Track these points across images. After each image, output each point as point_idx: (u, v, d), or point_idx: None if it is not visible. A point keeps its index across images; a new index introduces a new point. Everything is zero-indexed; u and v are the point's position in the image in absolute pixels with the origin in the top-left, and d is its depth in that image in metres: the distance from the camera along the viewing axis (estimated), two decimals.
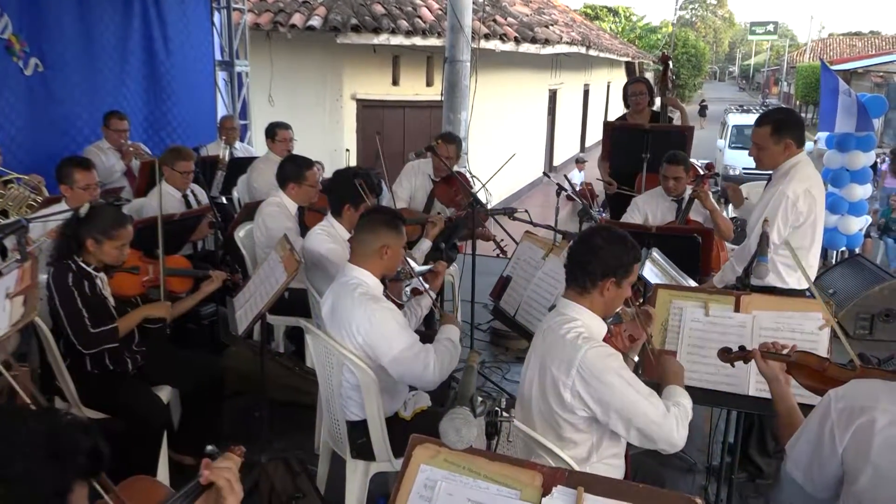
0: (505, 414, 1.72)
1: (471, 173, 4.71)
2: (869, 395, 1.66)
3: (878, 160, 13.78)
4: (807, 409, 1.94)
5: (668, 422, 2.07)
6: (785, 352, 2.14)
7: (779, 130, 3.27)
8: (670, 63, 5.59)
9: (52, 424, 1.16)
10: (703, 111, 33.90)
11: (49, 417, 1.18)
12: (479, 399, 1.57)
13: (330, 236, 3.53)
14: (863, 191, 7.09)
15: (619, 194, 5.08)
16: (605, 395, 2.07)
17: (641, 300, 2.80)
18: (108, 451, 1.21)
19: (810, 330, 2.53)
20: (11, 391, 2.51)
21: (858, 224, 7.23)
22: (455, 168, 4.80)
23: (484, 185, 4.73)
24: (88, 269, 2.99)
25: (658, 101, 5.49)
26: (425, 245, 3.88)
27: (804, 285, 3.35)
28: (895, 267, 9.79)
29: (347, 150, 4.47)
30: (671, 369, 2.30)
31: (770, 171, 3.42)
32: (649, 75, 24.00)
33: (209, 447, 1.45)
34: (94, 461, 1.19)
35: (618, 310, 2.36)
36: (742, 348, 2.30)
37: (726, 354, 2.34)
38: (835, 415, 1.69)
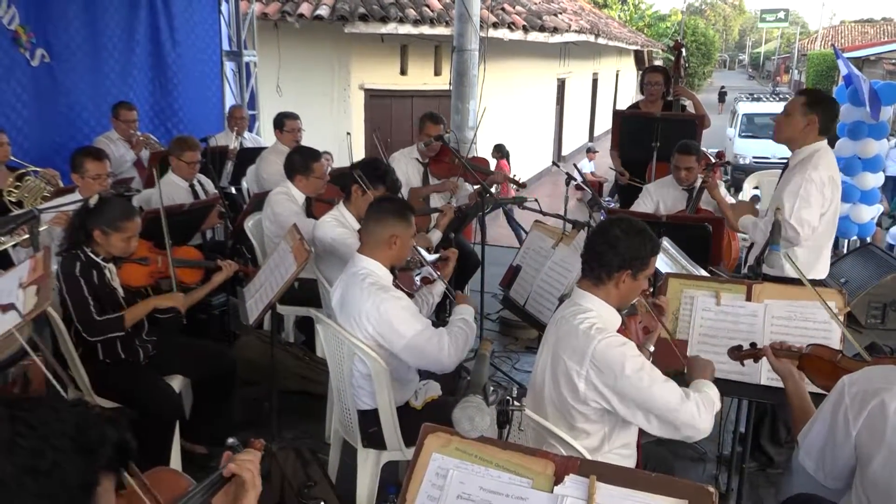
0: (516, 403, 1.72)
1: (512, 181, 4.75)
2: (882, 379, 1.67)
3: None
4: (819, 399, 1.94)
5: (687, 407, 2.05)
6: (795, 349, 2.13)
7: (811, 104, 3.27)
8: (683, 51, 5.55)
9: (81, 417, 1.15)
10: (721, 97, 34.09)
11: (78, 410, 1.17)
12: (492, 388, 1.56)
13: (340, 225, 3.53)
14: (875, 179, 7.02)
15: (630, 184, 5.07)
16: (620, 384, 2.06)
17: (651, 289, 2.78)
18: (135, 444, 1.22)
19: (822, 319, 2.52)
20: (25, 379, 2.53)
21: (870, 213, 7.17)
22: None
23: (519, 184, 4.74)
24: (97, 259, 2.99)
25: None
26: (435, 236, 3.87)
27: (821, 276, 3.32)
28: None
29: (348, 133, 4.44)
30: (700, 365, 2.28)
31: (785, 158, 3.39)
32: (659, 63, 23.86)
33: (230, 440, 1.46)
34: (121, 454, 1.19)
35: (633, 301, 2.34)
36: (753, 345, 2.29)
37: (736, 353, 2.33)
38: (848, 399, 1.70)
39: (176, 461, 3.04)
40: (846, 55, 8.57)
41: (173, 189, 4.44)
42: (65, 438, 1.10)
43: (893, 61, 23.14)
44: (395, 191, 3.67)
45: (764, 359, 2.48)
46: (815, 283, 3.23)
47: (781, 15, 53.37)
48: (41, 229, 3.22)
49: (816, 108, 3.25)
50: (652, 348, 2.39)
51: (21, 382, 2.60)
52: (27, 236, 2.85)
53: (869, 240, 7.16)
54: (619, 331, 2.22)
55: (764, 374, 2.52)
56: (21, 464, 1.06)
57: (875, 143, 6.87)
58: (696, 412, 2.06)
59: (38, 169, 4.39)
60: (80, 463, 1.11)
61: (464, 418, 1.42)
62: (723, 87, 37.31)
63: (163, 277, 3.35)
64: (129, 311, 3.01)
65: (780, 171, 3.60)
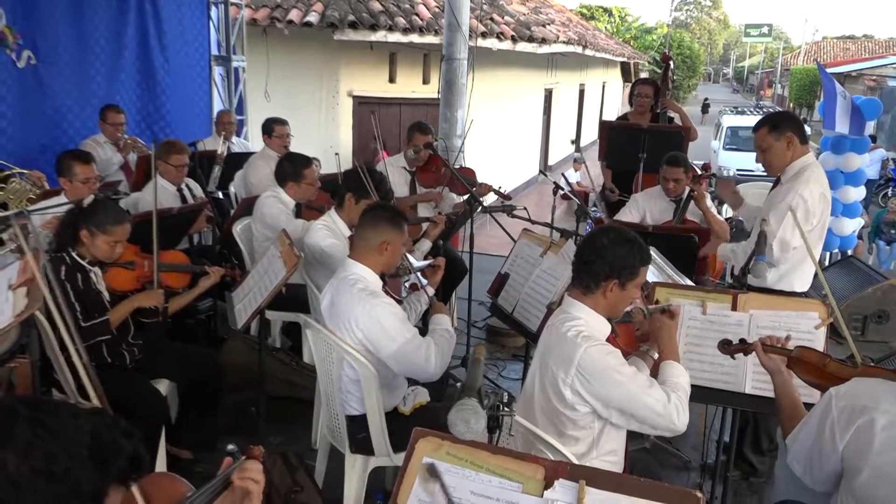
0: (506, 409, 1.73)
1: (497, 192, 4.75)
2: (870, 395, 1.68)
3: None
4: (807, 407, 1.97)
5: (669, 411, 2.09)
6: (784, 346, 2.16)
7: (777, 127, 3.27)
8: (671, 64, 5.59)
9: (97, 426, 1.16)
10: (705, 108, 34.82)
11: (95, 418, 1.18)
12: (486, 391, 1.58)
13: (331, 231, 3.53)
14: (856, 193, 7.13)
15: (620, 199, 5.12)
16: (605, 392, 2.09)
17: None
18: (147, 457, 1.22)
19: (807, 329, 2.55)
20: (10, 383, 2.51)
21: (852, 226, 7.28)
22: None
23: (500, 194, 4.74)
24: (83, 262, 2.98)
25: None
26: (425, 245, 3.88)
27: (804, 288, 3.36)
28: (887, 268, 9.86)
29: (336, 154, 4.44)
30: (666, 331, 2.30)
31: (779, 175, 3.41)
32: (645, 75, 24.11)
33: (230, 446, 1.46)
34: (133, 466, 1.19)
35: (628, 309, 2.36)
36: (743, 341, 2.32)
37: (726, 347, 2.36)
38: (836, 413, 1.71)
39: (161, 465, 3.03)
40: (828, 71, 8.70)
41: (161, 193, 4.41)
42: (81, 445, 1.11)
43: (874, 77, 23.54)
44: (388, 200, 3.68)
45: (750, 366, 2.52)
46: (796, 295, 3.28)
47: (765, 30, 54.21)
48: (41, 234, 3.20)
49: (783, 126, 3.26)
50: (656, 355, 2.41)
51: (6, 385, 2.57)
52: (16, 245, 2.84)
53: (850, 252, 7.27)
54: (610, 339, 2.24)
55: (748, 382, 2.56)
56: (36, 466, 1.07)
57: (857, 157, 6.99)
58: (675, 416, 2.10)
59: (23, 171, 4.36)
60: (92, 471, 1.11)
61: (459, 421, 1.44)
62: (706, 99, 37.98)
63: (149, 282, 3.33)
64: (111, 312, 3.00)
65: (762, 182, 3.64)
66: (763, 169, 3.44)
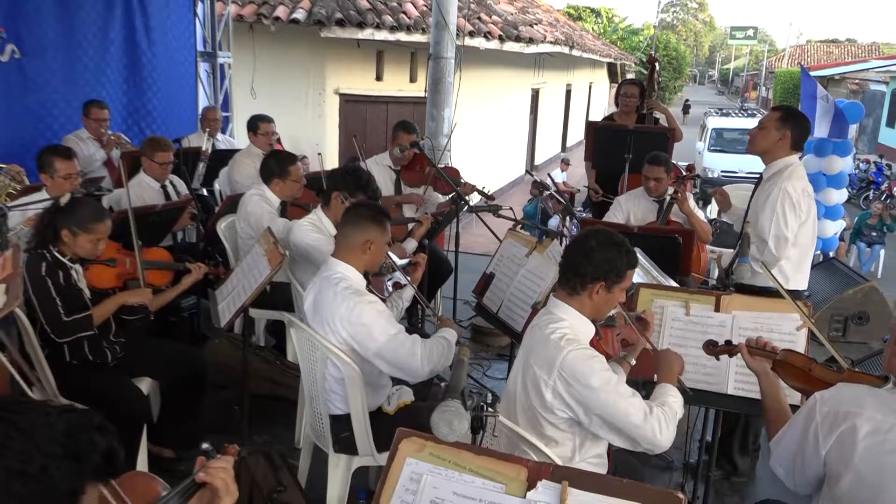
0: (490, 409, 1.73)
1: (481, 192, 4.73)
2: (854, 402, 1.68)
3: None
4: (793, 409, 1.97)
5: (650, 423, 2.06)
6: (770, 349, 2.17)
7: (786, 120, 3.35)
8: (657, 65, 5.62)
9: (70, 423, 1.15)
10: (686, 109, 35.20)
11: (68, 415, 1.17)
12: (470, 392, 1.58)
13: (317, 229, 3.52)
14: (839, 195, 7.21)
15: (603, 200, 5.13)
16: (586, 397, 2.07)
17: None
18: (123, 452, 1.21)
19: (788, 330, 2.58)
20: None
21: (834, 228, 7.36)
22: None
23: (484, 194, 4.72)
24: (63, 259, 2.94)
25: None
26: (411, 245, 3.88)
27: (802, 286, 3.38)
28: (867, 270, 9.99)
29: (320, 154, 4.49)
30: (667, 362, 2.30)
31: (757, 172, 3.44)
32: (631, 76, 24.23)
33: (205, 444, 1.44)
34: (108, 462, 1.18)
35: (611, 313, 2.36)
36: (728, 342, 2.33)
37: (711, 348, 2.36)
38: (819, 418, 1.71)
39: (143, 464, 3.00)
40: (812, 74, 8.77)
41: (145, 190, 4.39)
42: (54, 444, 1.09)
43: (857, 81, 23.82)
44: (375, 199, 3.67)
45: (732, 367, 2.54)
46: (794, 294, 3.31)
47: (750, 33, 54.75)
48: (23, 230, 3.16)
49: (789, 123, 3.33)
50: (633, 361, 2.41)
51: None
52: None
53: (832, 254, 7.35)
54: (594, 342, 2.24)
55: (731, 383, 2.57)
56: (9, 467, 1.05)
57: (839, 160, 7.06)
58: (657, 429, 2.07)
59: (2, 165, 4.31)
60: (68, 469, 1.10)
61: (442, 422, 1.43)
62: (687, 101, 38.62)
63: (131, 279, 3.30)
64: (96, 309, 2.97)
65: (746, 184, 3.68)
66: (746, 145, 3.49)
